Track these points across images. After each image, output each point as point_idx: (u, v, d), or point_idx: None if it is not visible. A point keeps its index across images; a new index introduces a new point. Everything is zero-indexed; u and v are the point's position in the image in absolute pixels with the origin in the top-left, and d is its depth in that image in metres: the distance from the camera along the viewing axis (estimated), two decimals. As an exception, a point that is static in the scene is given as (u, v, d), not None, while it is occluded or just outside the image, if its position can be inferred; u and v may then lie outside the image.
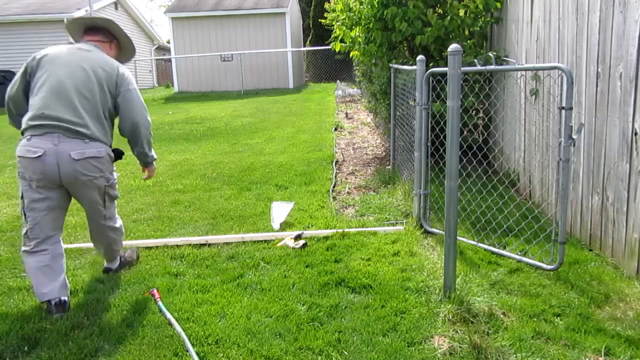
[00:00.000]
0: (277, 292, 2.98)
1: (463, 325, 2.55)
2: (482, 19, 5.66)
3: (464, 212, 4.10)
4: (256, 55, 17.65)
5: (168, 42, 20.38)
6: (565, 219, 3.07)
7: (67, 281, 2.93)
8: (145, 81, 22.48)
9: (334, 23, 6.71)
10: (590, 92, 3.47)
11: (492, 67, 3.15)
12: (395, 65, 5.45)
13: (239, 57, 17.28)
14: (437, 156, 5.15)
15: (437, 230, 3.89)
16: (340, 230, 3.92)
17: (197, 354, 2.38)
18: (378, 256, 3.47)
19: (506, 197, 4.16)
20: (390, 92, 5.91)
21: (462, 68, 2.82)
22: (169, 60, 20.77)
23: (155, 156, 3.33)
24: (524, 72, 4.51)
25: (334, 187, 5.43)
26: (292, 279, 3.16)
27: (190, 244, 3.79)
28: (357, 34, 6.28)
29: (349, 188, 5.41)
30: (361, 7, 5.96)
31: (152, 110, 12.96)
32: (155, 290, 3.00)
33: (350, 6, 6.24)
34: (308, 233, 3.92)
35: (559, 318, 2.64)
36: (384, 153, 7.04)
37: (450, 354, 2.34)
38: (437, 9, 5.65)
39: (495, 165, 5.50)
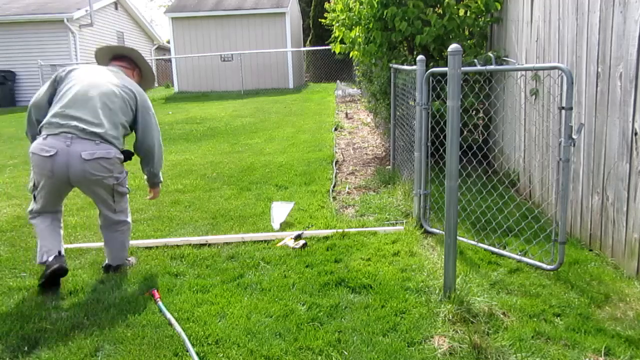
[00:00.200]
0: (277, 292, 2.98)
1: (463, 325, 2.55)
2: (483, 18, 5.66)
3: (464, 212, 4.10)
4: (256, 55, 17.65)
5: (168, 42, 20.39)
6: (565, 219, 3.07)
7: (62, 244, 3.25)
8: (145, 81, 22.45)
9: (333, 23, 6.71)
10: (590, 92, 3.47)
11: (492, 67, 3.15)
12: (395, 65, 5.46)
13: (239, 57, 17.28)
14: (437, 156, 5.15)
15: (437, 230, 3.89)
16: (340, 230, 3.92)
17: (197, 354, 2.38)
18: (378, 256, 3.47)
19: (506, 197, 4.16)
20: (390, 92, 5.91)
21: (462, 68, 2.82)
22: (169, 60, 20.77)
23: (162, 178, 3.56)
24: (524, 72, 4.51)
25: (334, 187, 5.43)
26: (292, 279, 3.16)
27: (190, 244, 3.79)
28: (357, 34, 6.28)
29: (349, 188, 5.41)
30: (361, 7, 5.96)
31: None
32: (155, 290, 3.00)
33: (350, 6, 6.24)
34: (308, 233, 3.92)
35: (559, 318, 2.64)
36: (384, 153, 7.04)
37: (450, 354, 2.34)
38: (437, 8, 5.65)
39: (495, 165, 5.50)
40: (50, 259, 3.08)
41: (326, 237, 3.84)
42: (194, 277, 3.26)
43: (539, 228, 3.61)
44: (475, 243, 3.60)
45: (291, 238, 3.79)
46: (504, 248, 3.51)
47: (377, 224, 4.20)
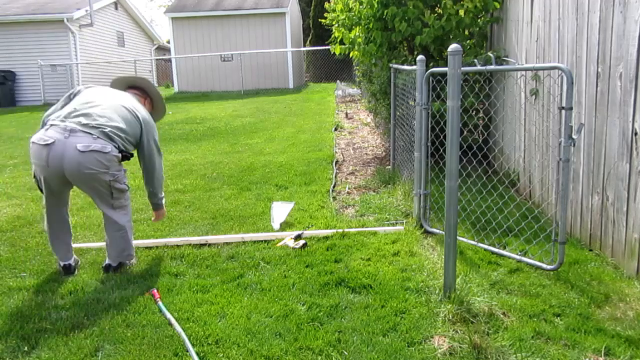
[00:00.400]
0: (277, 292, 2.98)
1: (463, 325, 2.55)
2: (482, 18, 5.66)
3: (464, 212, 4.10)
4: (256, 55, 17.65)
5: (168, 42, 20.39)
6: (565, 219, 3.07)
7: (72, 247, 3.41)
8: (145, 81, 22.46)
9: (333, 23, 6.71)
10: (590, 92, 3.47)
11: (492, 67, 3.15)
12: (395, 65, 5.46)
13: (239, 57, 17.28)
14: (437, 156, 5.16)
15: (437, 230, 3.89)
16: (340, 230, 3.92)
17: (197, 354, 2.38)
18: (378, 256, 3.47)
19: (506, 197, 4.16)
20: (390, 92, 5.91)
21: (462, 68, 2.82)
22: (169, 60, 20.78)
23: (164, 199, 3.68)
24: (524, 72, 4.51)
25: (334, 187, 5.43)
26: (292, 279, 3.16)
27: (190, 244, 3.79)
28: (357, 34, 6.28)
29: (349, 188, 5.41)
30: (361, 7, 5.96)
31: (152, 110, 12.95)
32: (155, 290, 3.00)
33: (350, 6, 6.24)
34: (308, 233, 3.92)
35: (559, 318, 2.64)
36: (384, 153, 7.04)
37: (450, 354, 2.34)
38: (436, 9, 5.65)
39: (495, 165, 5.50)
40: (62, 264, 3.35)
41: (326, 237, 3.84)
42: (194, 277, 3.26)
43: (539, 228, 3.61)
44: (475, 243, 3.60)
45: (291, 238, 3.79)
46: (504, 248, 3.51)
47: (377, 224, 4.20)
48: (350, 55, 6.78)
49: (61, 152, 3.02)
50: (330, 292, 2.97)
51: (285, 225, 4.17)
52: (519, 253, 3.40)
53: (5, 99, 16.84)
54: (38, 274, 3.39)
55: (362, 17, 5.91)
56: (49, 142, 3.03)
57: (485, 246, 3.55)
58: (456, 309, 2.64)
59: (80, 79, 17.66)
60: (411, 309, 2.73)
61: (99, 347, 2.48)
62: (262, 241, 3.84)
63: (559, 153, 3.00)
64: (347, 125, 9.61)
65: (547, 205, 4.18)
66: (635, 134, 2.98)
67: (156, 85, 24.12)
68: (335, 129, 9.13)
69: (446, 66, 2.79)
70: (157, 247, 3.79)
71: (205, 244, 3.80)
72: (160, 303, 2.85)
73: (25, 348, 2.49)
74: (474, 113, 5.36)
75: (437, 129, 4.45)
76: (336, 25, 6.62)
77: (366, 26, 5.90)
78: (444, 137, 2.87)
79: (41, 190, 3.26)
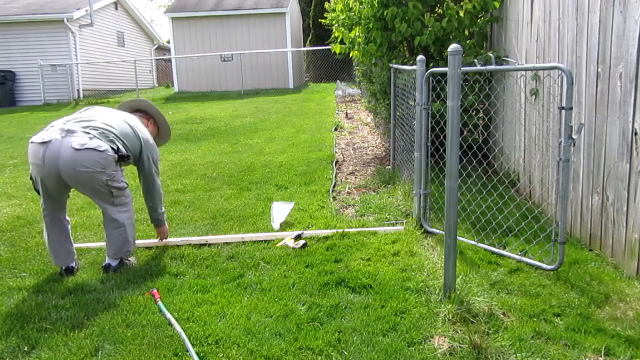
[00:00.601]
0: (277, 292, 2.98)
1: (463, 325, 2.55)
2: (482, 18, 5.66)
3: (464, 212, 4.10)
4: (256, 55, 17.64)
5: (168, 42, 20.37)
6: (565, 219, 3.07)
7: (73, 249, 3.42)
8: (145, 81, 22.46)
9: (333, 23, 6.71)
10: (590, 92, 3.47)
11: (492, 67, 3.15)
12: (395, 65, 5.45)
13: (239, 57, 17.26)
14: (437, 156, 5.15)
15: (437, 230, 3.89)
16: (340, 230, 3.92)
17: (197, 354, 2.38)
18: (378, 256, 3.47)
19: (506, 197, 4.16)
20: (390, 92, 5.91)
21: (462, 68, 2.82)
22: (169, 60, 20.76)
23: (164, 214, 3.74)
24: (524, 72, 4.51)
25: (334, 187, 5.43)
26: (292, 279, 3.16)
27: (190, 244, 3.79)
28: (357, 34, 6.28)
29: (349, 188, 5.41)
30: (361, 6, 5.96)
31: (152, 110, 12.94)
32: (155, 290, 3.00)
33: (350, 6, 6.24)
34: (308, 233, 3.92)
35: (559, 318, 2.64)
36: (384, 153, 7.04)
37: (450, 354, 2.34)
38: (436, 9, 5.64)
39: (495, 165, 5.50)
40: (63, 268, 3.35)
41: (326, 237, 3.84)
42: (194, 277, 3.26)
43: (539, 228, 3.61)
44: (475, 243, 3.60)
45: (291, 238, 3.79)
46: (504, 248, 3.51)
47: (377, 224, 4.20)
48: (350, 55, 6.78)
49: (57, 150, 3.03)
50: (330, 292, 2.97)
51: (285, 225, 4.17)
52: (519, 253, 3.40)
53: (5, 99, 16.83)
54: (38, 274, 3.39)
55: (362, 17, 5.91)
56: (46, 140, 3.06)
57: (485, 246, 3.55)
58: (456, 309, 2.64)
59: (80, 79, 17.66)
60: (411, 309, 2.73)
61: (99, 347, 2.48)
62: (262, 241, 3.84)
63: (559, 153, 3.00)
64: (347, 125, 9.61)
65: (547, 205, 4.18)
66: (635, 134, 2.98)
67: (156, 85, 24.15)
68: (335, 129, 9.13)
69: (446, 66, 2.79)
70: (157, 247, 3.79)
71: (205, 244, 3.80)
72: (160, 303, 2.85)
73: (25, 348, 2.49)
74: (474, 113, 5.35)
75: (437, 129, 4.45)
76: (336, 25, 6.62)
77: (366, 26, 5.90)
78: (444, 137, 2.87)
79: (38, 192, 3.27)
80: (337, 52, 6.68)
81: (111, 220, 3.28)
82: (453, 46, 2.70)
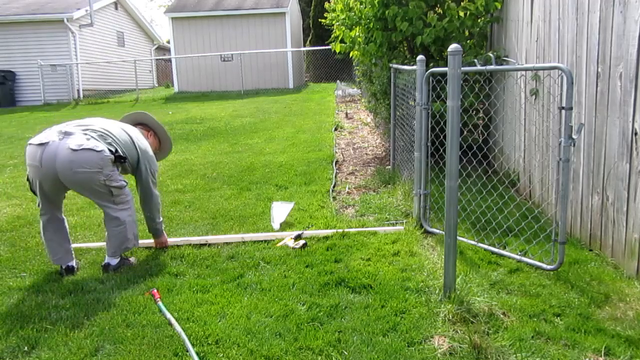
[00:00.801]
0: (277, 292, 2.98)
1: (463, 325, 2.55)
2: (482, 19, 5.66)
3: (464, 212, 4.10)
4: (256, 55, 17.64)
5: (168, 42, 20.37)
6: (565, 219, 3.07)
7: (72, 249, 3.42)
8: (145, 81, 22.47)
9: (334, 23, 6.71)
10: (590, 92, 3.47)
11: (492, 67, 3.15)
12: (396, 65, 5.45)
13: (239, 57, 17.26)
14: (437, 156, 5.15)
15: (437, 230, 3.89)
16: (340, 230, 3.92)
17: (197, 354, 2.38)
18: (378, 256, 3.47)
19: (506, 197, 4.16)
20: (390, 92, 5.91)
21: (462, 68, 2.82)
22: (169, 60, 20.76)
23: (162, 224, 3.74)
24: (524, 72, 4.51)
25: (334, 187, 5.43)
26: (292, 279, 3.16)
27: (190, 244, 3.79)
28: (357, 34, 6.28)
29: (349, 188, 5.41)
30: (361, 6, 5.96)
31: (152, 110, 12.96)
32: (155, 290, 3.00)
33: (351, 6, 6.24)
34: (308, 233, 3.92)
35: (559, 318, 2.64)
36: (384, 153, 7.04)
37: (450, 354, 2.34)
38: (437, 9, 5.64)
39: (495, 165, 5.50)
40: (63, 267, 3.35)
41: (326, 237, 3.84)
42: (194, 277, 3.26)
43: (539, 228, 3.61)
44: (475, 243, 3.60)
45: (291, 238, 3.79)
46: (504, 248, 3.51)
47: (377, 224, 4.20)
48: (351, 55, 6.78)
49: (54, 152, 3.05)
50: (330, 292, 2.97)
51: (285, 225, 4.17)
52: (519, 253, 3.40)
53: (5, 99, 16.84)
54: (38, 274, 3.40)
55: (363, 16, 5.91)
56: (43, 142, 3.07)
57: (485, 246, 3.55)
58: (456, 309, 2.64)
59: (80, 79, 17.67)
60: (411, 309, 2.73)
61: (99, 347, 2.48)
62: (262, 241, 3.84)
63: (559, 153, 3.00)
64: (347, 125, 9.61)
65: (547, 205, 4.18)
66: (635, 134, 2.98)
67: (156, 85, 24.15)
68: (335, 129, 9.13)
69: (446, 66, 2.79)
70: (157, 247, 3.79)
71: (205, 244, 3.80)
72: (160, 303, 2.85)
73: (25, 348, 2.49)
74: (474, 113, 5.35)
75: (437, 129, 4.45)
76: (337, 24, 6.62)
77: (366, 26, 5.90)
78: (444, 137, 2.87)
79: (35, 193, 3.28)
80: (338, 51, 6.68)
81: (112, 218, 3.29)
82: (453, 46, 2.70)
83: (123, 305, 2.88)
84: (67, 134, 3.13)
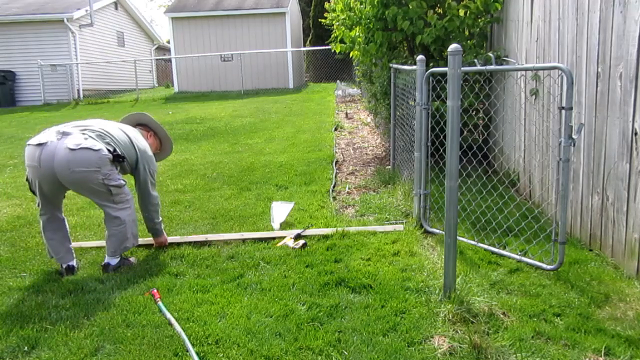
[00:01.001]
0: (277, 292, 2.98)
1: (463, 325, 2.55)
2: (483, 19, 5.66)
3: (464, 212, 4.10)
4: (256, 55, 17.64)
5: (168, 42, 20.37)
6: (565, 219, 3.07)
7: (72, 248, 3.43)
8: (145, 81, 22.47)
9: (334, 23, 6.71)
10: (590, 92, 3.47)
11: (492, 67, 3.15)
12: (396, 65, 5.45)
13: (239, 57, 17.26)
14: (437, 156, 5.15)
15: (437, 230, 3.89)
16: (340, 229, 3.92)
17: (197, 354, 2.38)
18: (378, 256, 3.47)
19: (506, 197, 4.16)
20: (390, 92, 5.91)
21: (462, 68, 2.82)
22: (169, 60, 20.76)
23: (162, 224, 3.73)
24: (524, 72, 4.51)
25: (334, 187, 5.43)
26: (292, 279, 3.16)
27: (190, 242, 3.78)
28: (357, 34, 6.28)
29: (349, 188, 5.41)
30: (361, 6, 5.96)
31: (152, 110, 12.97)
32: (155, 290, 3.00)
33: (351, 6, 6.24)
34: (309, 231, 3.92)
35: (559, 318, 2.64)
36: (384, 153, 7.04)
37: (450, 354, 2.34)
38: (437, 9, 5.64)
39: (495, 165, 5.50)
40: (63, 266, 3.35)
41: (326, 237, 3.84)
42: (194, 277, 3.26)
43: (539, 228, 3.61)
44: (475, 243, 3.60)
45: (291, 238, 3.79)
46: (504, 248, 3.51)
47: (377, 224, 4.19)
48: (351, 55, 6.78)
49: (52, 152, 3.05)
50: (330, 292, 2.97)
51: (285, 225, 4.17)
52: (519, 253, 3.40)
53: (5, 99, 16.84)
54: (38, 274, 3.40)
55: (363, 17, 5.91)
56: (42, 142, 3.08)
57: (485, 246, 3.54)
58: (456, 309, 2.64)
59: (80, 79, 17.67)
60: (411, 309, 2.73)
61: (99, 347, 2.48)
62: (262, 241, 3.84)
63: (559, 153, 3.00)
64: (347, 125, 9.61)
65: (547, 205, 4.18)
66: (635, 134, 2.98)
67: (156, 85, 24.15)
68: (335, 129, 9.13)
69: (446, 66, 2.79)
70: (157, 246, 3.79)
71: (205, 243, 3.80)
72: (160, 303, 2.85)
73: (25, 348, 2.49)
74: (474, 113, 5.35)
75: (437, 129, 4.45)
76: (337, 24, 6.62)
77: (367, 26, 5.90)
78: (444, 137, 2.87)
79: (34, 193, 3.28)
80: (338, 51, 6.69)
81: (113, 218, 3.29)
82: (453, 46, 2.70)
83: (123, 305, 2.88)
84: (65, 134, 3.13)
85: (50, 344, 2.52)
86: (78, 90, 17.49)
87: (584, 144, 3.58)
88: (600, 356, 2.32)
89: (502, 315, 2.65)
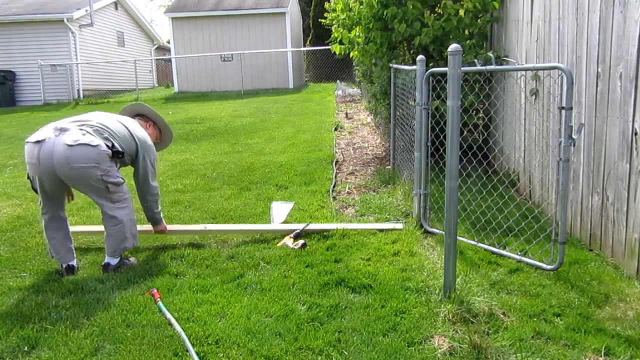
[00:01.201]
0: (277, 292, 2.98)
1: (463, 325, 2.55)
2: (482, 18, 5.66)
3: (464, 212, 4.10)
4: (256, 55, 17.64)
5: (168, 42, 20.37)
6: (565, 219, 3.07)
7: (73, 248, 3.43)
8: (145, 81, 22.47)
9: (334, 23, 6.71)
10: (590, 92, 3.47)
11: (492, 67, 3.15)
12: (395, 65, 5.45)
13: (239, 57, 17.26)
14: (437, 156, 5.15)
15: (437, 230, 3.89)
16: (341, 226, 3.92)
17: (197, 354, 2.38)
18: (378, 256, 3.47)
19: (506, 197, 4.16)
20: (390, 92, 5.91)
21: (462, 68, 2.82)
22: (169, 60, 20.76)
23: (161, 214, 3.76)
24: (524, 72, 4.51)
25: (334, 187, 5.43)
26: (292, 279, 3.16)
27: (190, 232, 3.78)
28: (357, 34, 6.28)
29: (349, 188, 5.41)
30: (361, 7, 5.96)
31: (152, 110, 12.94)
32: (155, 290, 3.00)
33: (350, 6, 6.24)
34: (312, 226, 3.93)
35: (559, 318, 2.64)
36: (384, 153, 7.04)
37: (450, 354, 2.34)
38: (436, 9, 5.64)
39: (495, 165, 5.50)
40: (64, 266, 3.34)
41: (326, 237, 3.84)
42: (194, 277, 3.26)
43: (539, 228, 3.61)
44: (475, 243, 3.60)
45: (290, 237, 3.79)
46: (504, 248, 3.51)
47: (377, 223, 4.19)
48: (350, 55, 6.78)
49: (51, 148, 3.06)
50: (330, 292, 2.97)
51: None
52: (519, 253, 3.40)
53: (5, 99, 16.84)
54: (38, 274, 3.40)
55: (362, 17, 5.91)
56: (40, 139, 3.08)
57: (485, 246, 3.54)
58: (456, 309, 2.64)
59: (80, 79, 17.66)
60: (411, 309, 2.73)
61: (99, 347, 2.48)
62: (262, 243, 3.84)
63: (559, 153, 3.00)
64: (347, 125, 9.61)
65: (547, 205, 4.18)
66: (635, 134, 2.98)
67: (156, 85, 24.14)
68: (335, 129, 9.13)
69: (446, 66, 2.79)
70: (156, 247, 3.78)
71: (205, 244, 3.80)
72: (160, 303, 2.85)
73: (25, 348, 2.49)
74: (474, 113, 5.35)
75: (437, 129, 4.45)
76: (336, 25, 6.61)
77: (366, 26, 5.90)
78: (444, 137, 2.87)
79: (36, 191, 3.28)
80: (337, 52, 6.69)
81: (110, 217, 3.29)
82: (453, 46, 2.70)
83: (123, 305, 2.88)
84: (62, 130, 3.13)
85: (50, 344, 2.52)
86: (78, 90, 17.49)
87: (584, 144, 3.58)
88: (600, 356, 2.32)
89: (502, 315, 2.65)
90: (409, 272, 3.19)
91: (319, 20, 9.85)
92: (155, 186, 3.60)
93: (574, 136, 2.92)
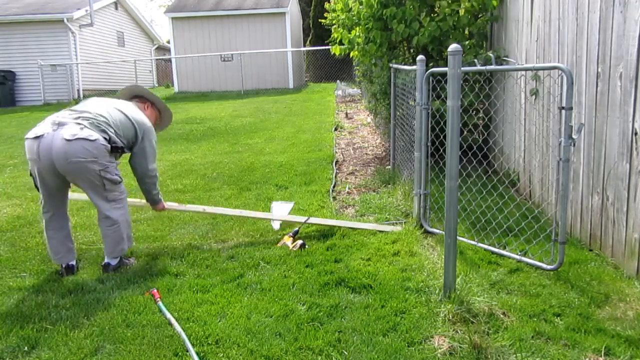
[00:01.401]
0: (277, 292, 2.98)
1: (463, 325, 2.55)
2: (481, 18, 5.66)
3: (464, 212, 4.10)
4: (256, 55, 17.64)
5: (168, 42, 20.37)
6: (565, 219, 3.07)
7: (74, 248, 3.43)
8: (145, 81, 22.46)
9: (334, 23, 6.71)
10: (590, 92, 3.47)
11: (492, 67, 3.15)
12: (395, 65, 5.45)
13: (239, 57, 17.27)
14: (437, 156, 5.15)
15: (437, 230, 3.89)
16: (341, 223, 3.92)
17: (197, 354, 2.38)
18: (378, 256, 3.47)
19: (506, 197, 4.16)
20: (390, 92, 5.91)
21: (462, 68, 2.82)
22: (169, 60, 20.77)
23: (160, 194, 3.73)
24: (524, 72, 4.50)
25: (334, 187, 5.43)
26: (292, 279, 3.16)
27: (189, 211, 3.77)
28: (357, 34, 6.28)
29: (349, 188, 5.41)
30: (360, 7, 5.96)
31: (152, 110, 12.93)
32: (155, 290, 3.00)
33: (350, 6, 6.24)
34: (314, 220, 3.94)
35: (559, 318, 2.64)
36: (384, 153, 7.04)
37: (450, 354, 2.34)
38: (435, 9, 5.64)
39: (495, 165, 5.49)
40: (63, 266, 3.33)
41: (326, 237, 3.84)
42: (194, 277, 3.26)
43: (539, 228, 3.61)
44: (475, 243, 3.60)
45: (290, 237, 3.79)
46: (504, 248, 3.51)
47: (377, 223, 4.19)
48: (350, 55, 6.78)
49: (49, 143, 3.05)
50: (330, 292, 2.97)
51: (285, 225, 4.17)
52: (519, 253, 3.40)
53: (5, 99, 16.84)
54: (38, 274, 3.40)
55: (362, 17, 5.91)
56: (38, 134, 3.09)
57: (485, 246, 3.54)
58: (456, 309, 2.64)
59: (80, 79, 17.66)
60: (411, 309, 2.73)
61: (99, 347, 2.48)
62: (262, 241, 3.84)
63: (559, 153, 3.00)
64: (347, 125, 9.61)
65: (547, 205, 4.18)
66: (635, 134, 2.98)
67: (156, 85, 24.14)
68: (335, 129, 9.13)
69: (446, 66, 2.79)
70: (156, 246, 3.78)
71: (205, 245, 3.80)
72: (160, 303, 2.85)
73: (25, 348, 2.49)
74: (474, 113, 5.35)
75: (437, 129, 4.45)
76: (335, 25, 6.61)
77: (366, 26, 5.90)
78: (444, 137, 2.87)
79: (38, 189, 3.28)
80: (338, 53, 6.69)
81: (105, 217, 3.27)
82: (453, 46, 2.70)
83: (123, 305, 2.88)
84: (60, 124, 3.13)
85: (50, 344, 2.52)
86: (78, 90, 17.49)
87: (584, 144, 3.58)
88: (600, 356, 2.32)
89: (502, 315, 2.65)
90: (409, 272, 3.19)
91: (319, 20, 9.86)
92: (153, 168, 3.55)
93: (574, 136, 2.92)
